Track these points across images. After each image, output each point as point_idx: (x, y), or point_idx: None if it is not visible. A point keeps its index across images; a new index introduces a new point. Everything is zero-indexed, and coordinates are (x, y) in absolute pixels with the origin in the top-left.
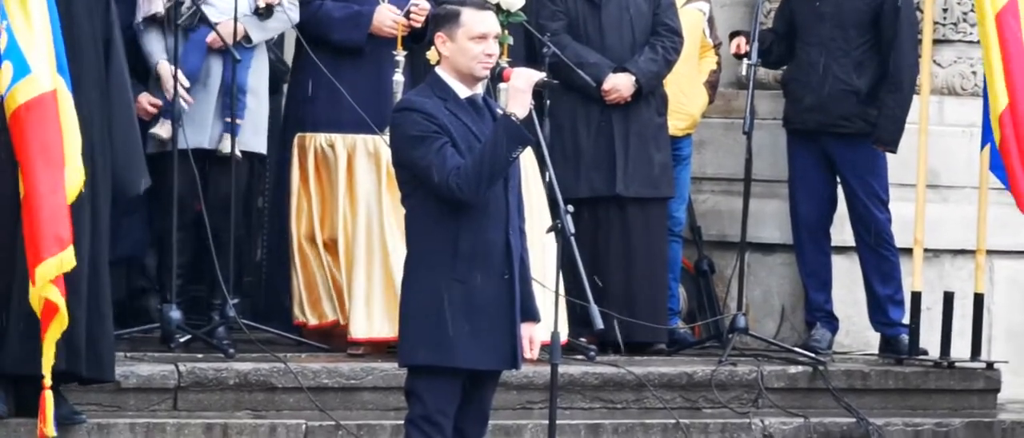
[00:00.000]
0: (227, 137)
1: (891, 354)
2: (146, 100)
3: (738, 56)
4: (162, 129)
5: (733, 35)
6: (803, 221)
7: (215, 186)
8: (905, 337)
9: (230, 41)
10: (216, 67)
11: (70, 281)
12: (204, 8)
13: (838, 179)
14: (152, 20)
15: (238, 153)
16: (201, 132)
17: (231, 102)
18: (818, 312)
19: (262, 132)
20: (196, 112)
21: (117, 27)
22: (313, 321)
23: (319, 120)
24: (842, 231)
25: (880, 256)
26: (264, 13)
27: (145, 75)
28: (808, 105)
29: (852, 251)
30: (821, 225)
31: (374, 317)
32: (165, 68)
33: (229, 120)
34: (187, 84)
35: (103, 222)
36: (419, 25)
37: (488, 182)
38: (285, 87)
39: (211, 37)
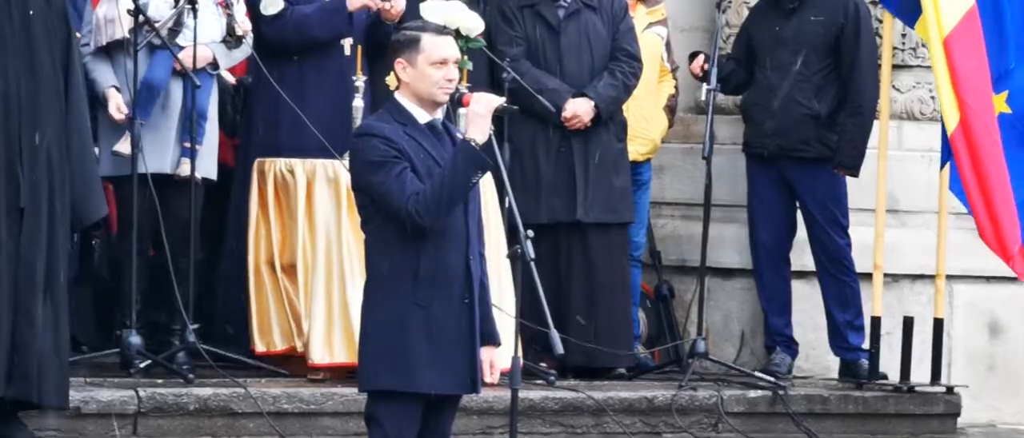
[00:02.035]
0: (185, 161)
1: (851, 379)
2: (115, 104)
3: (698, 77)
4: (123, 146)
5: (693, 56)
6: (762, 246)
7: (173, 211)
8: (865, 362)
9: (190, 66)
10: (176, 91)
11: (23, 306)
12: (185, 29)
13: (797, 204)
14: (101, 50)
15: (198, 177)
16: (161, 157)
17: (191, 127)
18: (778, 337)
19: (214, 158)
20: (157, 136)
21: (77, 54)
22: (261, 348)
23: (280, 145)
24: (802, 256)
25: (840, 282)
26: (234, 42)
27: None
28: (768, 130)
29: (812, 276)
30: (780, 250)
31: (334, 343)
32: (114, 95)
33: (187, 145)
34: (125, 111)
35: (59, 247)
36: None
37: (448, 207)
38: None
39: (180, 58)
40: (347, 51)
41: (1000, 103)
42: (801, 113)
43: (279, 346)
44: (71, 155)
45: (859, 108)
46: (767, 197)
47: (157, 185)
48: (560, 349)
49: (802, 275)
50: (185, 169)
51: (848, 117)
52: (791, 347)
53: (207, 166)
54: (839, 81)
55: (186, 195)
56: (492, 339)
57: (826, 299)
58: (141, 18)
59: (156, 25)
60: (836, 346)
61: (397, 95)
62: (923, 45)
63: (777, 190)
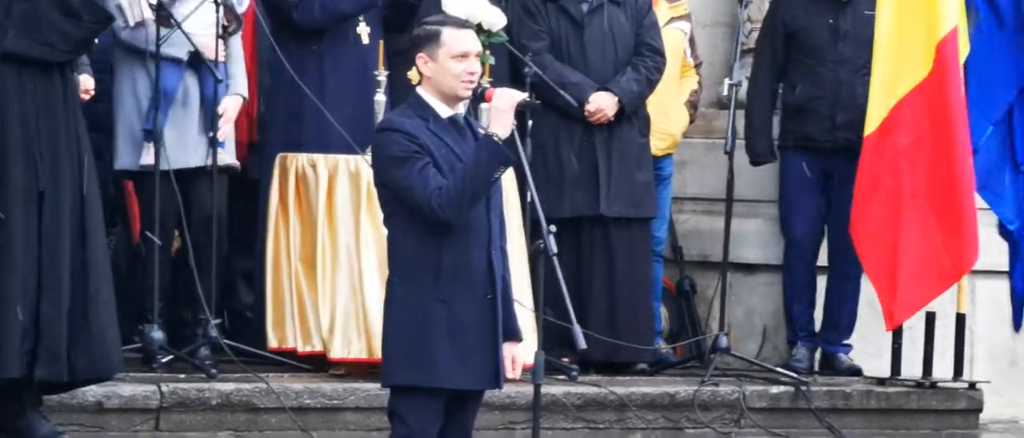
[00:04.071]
0: (221, 152)
1: (830, 372)
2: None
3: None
4: (148, 155)
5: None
6: (802, 240)
7: (197, 204)
8: (843, 356)
9: (211, 56)
10: (193, 86)
11: (49, 292)
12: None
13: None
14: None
15: (232, 162)
16: (185, 151)
17: (213, 120)
18: (802, 332)
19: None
20: (177, 133)
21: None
22: (273, 343)
23: (303, 140)
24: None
25: (849, 277)
26: (235, 25)
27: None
28: (840, 122)
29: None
30: (817, 244)
31: (352, 339)
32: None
33: (212, 135)
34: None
35: (92, 227)
36: None
37: (470, 202)
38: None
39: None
40: (366, 40)
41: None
42: (866, 106)
43: (291, 343)
44: (88, 306)
45: None
46: (806, 191)
47: (180, 180)
48: (583, 345)
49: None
50: (226, 159)
51: None
52: (813, 341)
53: (231, 157)
54: None
55: (209, 187)
56: (515, 334)
57: (833, 293)
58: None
59: (171, 13)
60: (826, 340)
61: (419, 90)
62: None
63: (817, 184)
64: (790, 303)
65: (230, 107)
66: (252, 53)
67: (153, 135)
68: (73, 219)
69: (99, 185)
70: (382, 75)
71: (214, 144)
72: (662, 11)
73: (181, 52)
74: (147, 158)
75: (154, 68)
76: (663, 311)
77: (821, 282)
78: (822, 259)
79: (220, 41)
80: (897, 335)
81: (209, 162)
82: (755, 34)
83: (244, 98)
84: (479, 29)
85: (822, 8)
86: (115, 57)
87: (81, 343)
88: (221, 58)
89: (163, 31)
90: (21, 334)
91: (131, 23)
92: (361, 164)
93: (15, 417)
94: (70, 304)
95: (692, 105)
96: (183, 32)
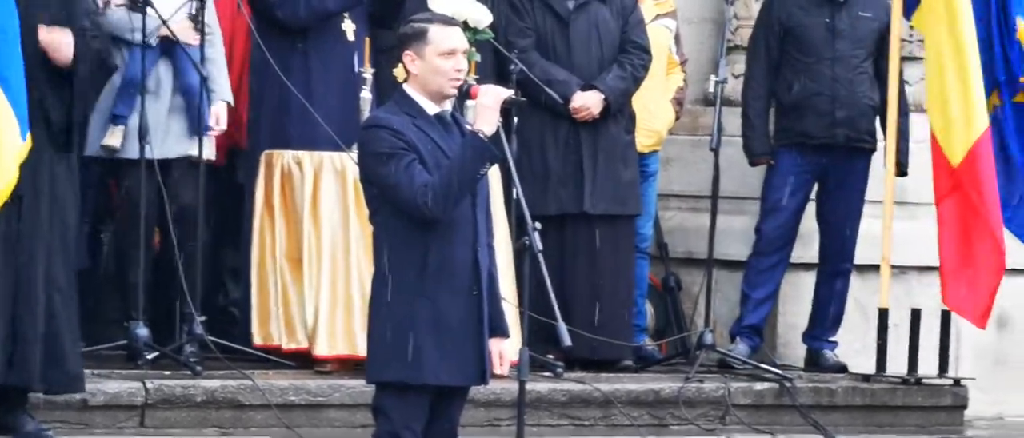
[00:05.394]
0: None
1: (815, 369)
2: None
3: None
4: (113, 138)
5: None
6: (779, 235)
7: (173, 199)
8: (829, 353)
9: (189, 41)
10: (166, 74)
11: (24, 297)
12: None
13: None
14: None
15: (209, 156)
16: (157, 141)
17: (199, 111)
18: (748, 328)
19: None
20: (153, 122)
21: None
22: (258, 340)
23: (289, 137)
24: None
25: (839, 273)
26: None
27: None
28: (840, 119)
29: (800, 268)
30: (788, 242)
31: (338, 336)
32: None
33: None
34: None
35: (64, 236)
36: None
37: (456, 199)
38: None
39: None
40: (350, 37)
41: (994, 97)
42: (866, 104)
43: (279, 339)
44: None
45: (907, 107)
46: (800, 189)
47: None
48: (568, 341)
49: (793, 267)
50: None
51: (900, 116)
52: (754, 340)
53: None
54: (879, 76)
55: (186, 179)
56: (500, 331)
57: (821, 290)
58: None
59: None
60: (813, 337)
61: (405, 86)
62: None
63: (808, 182)
64: (749, 297)
65: (221, 117)
66: (243, 59)
67: (122, 121)
68: (51, 226)
69: (79, 189)
70: (368, 72)
71: (201, 140)
72: (648, 8)
73: (152, 38)
74: (111, 139)
75: (128, 53)
76: (648, 308)
77: (808, 279)
78: (808, 256)
79: (194, 27)
80: (883, 332)
81: (185, 154)
82: (741, 31)
83: (229, 104)
84: (465, 26)
85: (818, 7)
86: None
87: (52, 354)
88: (195, 42)
89: (136, 17)
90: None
91: (100, 6)
92: (347, 161)
93: (4, 413)
94: (45, 314)
95: (678, 102)
96: (159, 16)
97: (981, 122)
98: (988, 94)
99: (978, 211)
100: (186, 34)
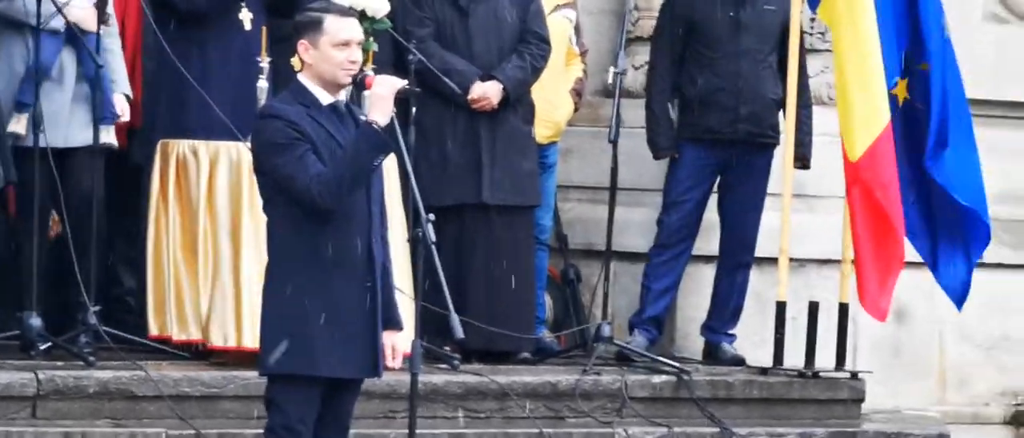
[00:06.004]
0: (102, 130)
1: (713, 361)
2: None
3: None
4: (18, 125)
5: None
6: (682, 228)
7: (73, 186)
8: (727, 345)
9: (92, 28)
10: (70, 62)
11: None
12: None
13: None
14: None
15: (110, 141)
16: (59, 129)
17: (94, 98)
18: (649, 320)
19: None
20: (52, 110)
21: None
22: (154, 331)
23: (187, 126)
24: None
25: (741, 266)
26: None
27: None
28: (743, 114)
29: (700, 261)
30: (689, 235)
31: (232, 326)
32: None
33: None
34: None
35: None
36: None
37: (349, 189)
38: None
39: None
40: (248, 26)
41: (901, 89)
42: (769, 99)
43: (171, 330)
44: None
45: (809, 100)
46: (703, 182)
47: (55, 159)
48: (460, 333)
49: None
50: (105, 138)
51: (801, 109)
52: (652, 332)
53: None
54: (782, 70)
55: (86, 167)
56: (394, 323)
57: (721, 283)
58: None
59: None
60: (711, 330)
61: (300, 77)
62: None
63: (711, 177)
64: (650, 290)
65: (123, 109)
66: (135, 39)
67: (27, 108)
68: None
69: None
70: (265, 61)
71: (96, 130)
72: None
73: (58, 24)
74: (16, 126)
75: (32, 40)
76: (547, 300)
77: (708, 271)
78: (708, 249)
79: (96, 14)
80: (780, 325)
81: (89, 142)
82: (642, 22)
83: (128, 97)
84: (362, 16)
85: (719, 2)
86: None
87: None
88: (93, 29)
89: (34, 3)
90: None
91: None
92: (243, 151)
93: None
94: None
95: (577, 93)
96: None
97: (883, 117)
98: (894, 84)
99: (879, 205)
100: (87, 22)
